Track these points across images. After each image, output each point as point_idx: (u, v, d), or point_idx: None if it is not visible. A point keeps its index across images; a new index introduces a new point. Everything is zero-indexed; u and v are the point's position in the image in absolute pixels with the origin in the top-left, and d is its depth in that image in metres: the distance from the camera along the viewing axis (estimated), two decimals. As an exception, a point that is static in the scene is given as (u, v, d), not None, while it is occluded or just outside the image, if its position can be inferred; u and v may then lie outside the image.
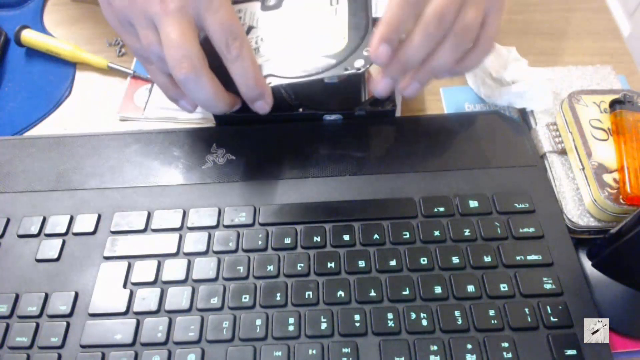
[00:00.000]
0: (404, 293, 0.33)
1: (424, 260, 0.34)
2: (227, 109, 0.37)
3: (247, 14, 0.42)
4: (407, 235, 0.35)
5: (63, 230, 0.36)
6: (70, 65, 0.47)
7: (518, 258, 0.34)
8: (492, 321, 0.32)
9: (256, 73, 0.35)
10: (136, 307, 0.33)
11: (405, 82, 0.37)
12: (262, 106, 0.37)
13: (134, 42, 0.35)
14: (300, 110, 0.41)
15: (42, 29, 0.49)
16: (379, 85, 0.37)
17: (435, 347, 0.31)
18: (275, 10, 0.42)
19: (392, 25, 0.33)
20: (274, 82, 0.37)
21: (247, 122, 0.41)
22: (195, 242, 0.35)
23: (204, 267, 0.34)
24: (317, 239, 0.35)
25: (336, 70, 0.37)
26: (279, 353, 0.31)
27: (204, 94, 0.34)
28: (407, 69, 0.36)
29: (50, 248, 0.36)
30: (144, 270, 0.34)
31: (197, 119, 0.43)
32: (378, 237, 0.35)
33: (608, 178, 0.35)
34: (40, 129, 0.44)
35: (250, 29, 0.41)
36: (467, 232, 0.35)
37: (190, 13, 0.33)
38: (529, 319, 0.32)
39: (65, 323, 0.33)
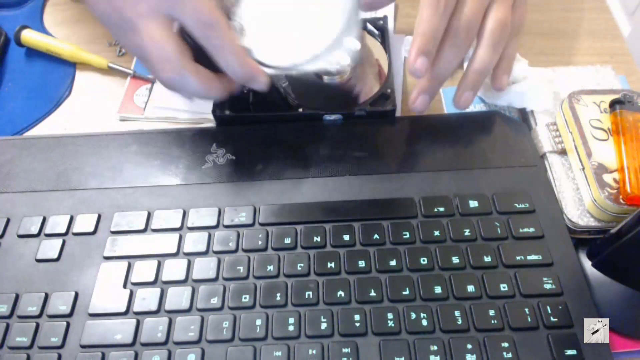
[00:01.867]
0: (404, 293, 0.33)
1: (424, 260, 0.34)
2: (223, 94, 0.37)
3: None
4: (407, 235, 0.35)
5: (63, 230, 0.36)
6: (70, 65, 0.47)
7: (518, 258, 0.34)
8: (492, 321, 0.32)
9: (242, 58, 0.35)
10: (136, 307, 0.33)
11: (457, 94, 0.38)
12: (258, 86, 0.36)
13: (124, 42, 0.35)
14: (300, 110, 0.41)
15: (42, 29, 0.49)
16: (417, 102, 0.38)
17: (435, 347, 0.31)
18: None
19: (428, 36, 0.33)
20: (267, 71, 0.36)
21: (247, 122, 0.41)
22: (195, 242, 0.35)
23: (204, 267, 0.34)
24: (317, 239, 0.35)
25: (322, 63, 0.36)
26: (279, 353, 0.31)
27: (193, 89, 0.35)
28: (442, 82, 0.37)
29: (50, 248, 0.36)
30: (144, 270, 0.34)
31: (197, 119, 0.43)
32: (378, 237, 0.35)
33: (608, 178, 0.35)
34: (40, 129, 0.44)
35: (238, 2, 0.38)
36: (467, 232, 0.35)
37: (163, 12, 0.32)
38: (529, 319, 0.32)
39: (65, 323, 0.33)
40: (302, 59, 0.36)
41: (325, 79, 0.42)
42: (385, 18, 0.45)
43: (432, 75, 0.37)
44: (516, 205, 0.36)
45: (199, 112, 0.43)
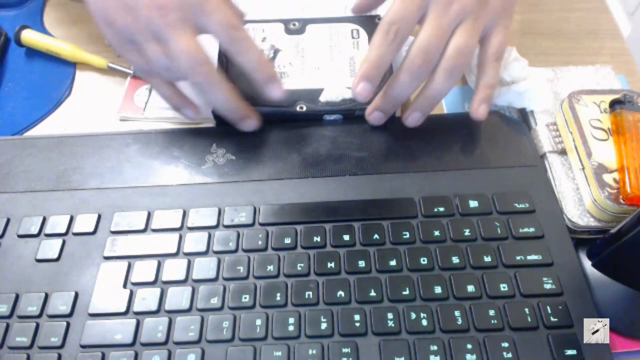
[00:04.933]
0: (404, 293, 0.33)
1: (424, 260, 0.34)
2: (241, 115, 0.39)
3: (271, 35, 0.44)
4: (407, 235, 0.35)
5: (63, 230, 0.36)
6: (70, 65, 0.47)
7: (518, 258, 0.34)
8: (492, 321, 0.32)
9: (263, 59, 0.37)
10: (136, 307, 0.33)
11: (406, 113, 0.39)
12: (274, 90, 0.38)
13: (138, 59, 0.36)
14: (299, 108, 0.41)
15: (42, 29, 0.49)
16: (370, 117, 0.39)
17: (435, 347, 0.31)
18: (298, 35, 0.44)
19: (373, 63, 0.35)
20: (305, 107, 0.41)
21: None
22: (195, 242, 0.35)
23: (204, 267, 0.34)
24: (317, 239, 0.35)
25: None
26: (279, 353, 0.31)
27: (220, 96, 0.36)
28: (397, 104, 0.38)
29: (50, 248, 0.36)
30: (144, 270, 0.34)
31: (197, 119, 0.43)
32: (378, 237, 0.35)
33: (608, 178, 0.35)
34: (40, 129, 0.44)
35: (277, 52, 0.43)
36: (467, 232, 0.35)
37: (192, 23, 0.34)
38: (529, 319, 0.32)
39: (65, 323, 0.33)
40: (343, 99, 0.41)
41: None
42: (380, 17, 0.46)
43: (386, 96, 0.38)
44: (516, 205, 0.36)
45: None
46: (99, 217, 0.37)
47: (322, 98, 0.41)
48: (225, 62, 0.42)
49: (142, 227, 0.36)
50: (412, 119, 0.39)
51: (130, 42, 0.35)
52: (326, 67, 0.42)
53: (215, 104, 0.38)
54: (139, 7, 0.33)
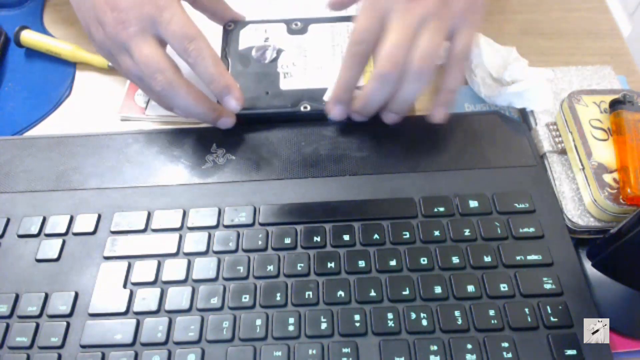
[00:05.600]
0: (404, 293, 0.33)
1: (424, 260, 0.34)
2: (210, 116, 0.39)
3: (274, 35, 0.44)
4: (407, 235, 0.35)
5: (63, 230, 0.36)
6: (70, 65, 0.47)
7: (518, 258, 0.34)
8: (492, 321, 0.32)
9: (219, 69, 0.37)
10: (136, 307, 0.33)
11: (383, 113, 0.39)
12: (231, 101, 0.38)
13: (120, 68, 0.38)
14: (303, 108, 0.41)
15: (42, 29, 0.49)
16: (332, 112, 0.39)
17: (435, 347, 0.31)
18: (301, 35, 0.44)
19: (342, 87, 0.37)
20: (309, 107, 0.41)
21: (248, 121, 0.41)
22: (195, 242, 0.35)
23: (204, 267, 0.34)
24: (317, 239, 0.35)
25: None
26: (279, 353, 0.31)
27: (183, 102, 0.36)
28: (374, 109, 0.38)
29: (50, 248, 0.36)
30: (144, 270, 0.34)
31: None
32: (378, 237, 0.35)
33: (608, 178, 0.35)
34: (40, 129, 0.44)
35: (280, 52, 0.43)
36: (467, 232, 0.35)
37: (151, 32, 0.35)
38: (529, 319, 0.32)
39: (65, 323, 0.33)
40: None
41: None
42: None
43: (362, 103, 0.38)
44: (516, 205, 0.36)
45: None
46: (99, 217, 0.37)
47: (326, 97, 0.41)
48: (227, 61, 0.43)
49: (142, 227, 0.36)
50: (388, 118, 0.39)
51: (109, 54, 0.37)
52: (329, 66, 0.42)
53: (179, 110, 0.38)
54: (106, 22, 0.35)
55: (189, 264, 0.35)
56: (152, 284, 0.34)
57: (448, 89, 0.38)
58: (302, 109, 0.40)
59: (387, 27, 0.34)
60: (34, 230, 0.37)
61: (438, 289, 0.33)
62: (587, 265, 0.34)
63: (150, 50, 0.35)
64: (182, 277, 0.34)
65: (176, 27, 0.35)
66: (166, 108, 0.40)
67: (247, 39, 0.44)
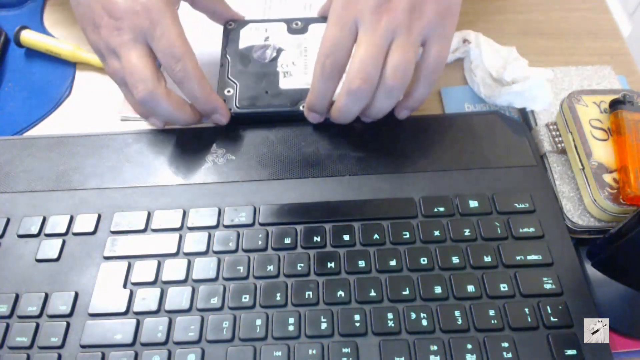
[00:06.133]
0: (404, 293, 0.33)
1: (424, 260, 0.34)
2: (193, 120, 0.39)
3: (274, 35, 0.44)
4: (407, 235, 0.35)
5: (63, 230, 0.36)
6: (70, 65, 0.47)
7: (518, 258, 0.34)
8: (492, 321, 0.32)
9: (204, 90, 0.37)
10: (136, 307, 0.33)
11: (363, 118, 0.40)
12: (219, 119, 0.40)
13: (107, 68, 0.38)
14: (302, 107, 0.40)
15: (42, 29, 0.49)
16: (309, 117, 0.40)
17: (435, 347, 0.31)
18: (301, 34, 0.44)
19: (315, 97, 0.37)
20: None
21: (249, 120, 0.41)
22: (195, 242, 0.35)
23: (204, 267, 0.34)
24: (317, 239, 0.35)
25: None
26: (279, 353, 0.31)
27: (163, 110, 0.37)
28: (348, 121, 0.38)
29: (50, 248, 0.36)
30: (144, 270, 0.34)
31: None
32: (378, 237, 0.35)
33: (608, 178, 0.35)
34: (40, 129, 0.44)
35: (280, 51, 0.43)
36: (467, 232, 0.35)
37: (141, 42, 0.36)
38: (529, 319, 0.32)
39: (65, 323, 0.33)
40: None
41: None
42: None
43: (336, 115, 0.38)
44: (516, 205, 0.36)
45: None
46: (99, 217, 0.37)
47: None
48: (227, 61, 0.43)
49: (142, 227, 0.36)
50: (367, 120, 0.40)
51: (100, 53, 0.38)
52: None
53: (163, 117, 0.40)
54: (102, 26, 0.36)
55: (189, 264, 0.35)
56: (152, 284, 0.34)
57: (416, 98, 0.38)
58: (301, 108, 0.40)
59: (357, 39, 0.34)
60: (34, 230, 0.37)
61: (438, 289, 0.33)
62: (587, 265, 0.34)
63: (137, 59, 0.35)
64: (182, 277, 0.34)
65: (165, 45, 0.35)
66: (142, 115, 0.41)
67: (247, 38, 0.44)
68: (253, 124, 0.41)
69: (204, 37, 0.44)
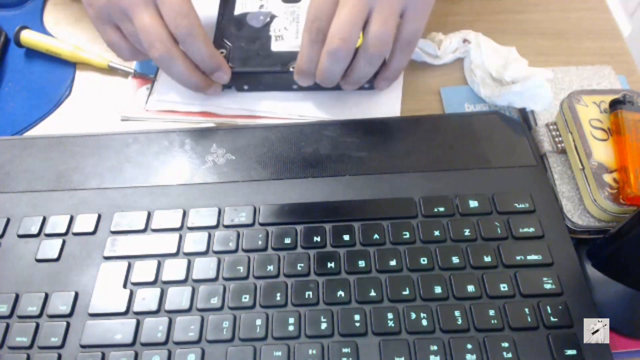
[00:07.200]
0: (404, 293, 0.33)
1: (424, 260, 0.34)
2: (203, 87, 0.41)
3: (268, 3, 0.46)
4: (407, 235, 0.35)
5: (63, 230, 0.36)
6: (70, 65, 0.47)
7: (518, 258, 0.34)
8: (492, 321, 0.32)
9: (209, 48, 0.39)
10: (136, 307, 0.33)
11: (343, 85, 0.41)
12: (221, 76, 0.41)
13: (110, 36, 0.40)
14: (291, 68, 0.41)
15: (42, 29, 0.49)
16: (299, 82, 0.41)
17: (435, 347, 0.31)
18: (295, 3, 0.46)
19: (303, 62, 0.39)
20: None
21: (240, 80, 0.43)
22: (195, 242, 0.35)
23: (204, 267, 0.34)
24: (317, 239, 0.35)
25: None
26: (279, 353, 0.31)
27: (178, 69, 0.39)
28: (333, 83, 0.40)
29: (50, 248, 0.36)
30: (144, 270, 0.34)
31: (197, 118, 0.43)
32: (378, 237, 0.35)
33: (608, 178, 0.35)
34: (40, 129, 0.44)
35: (273, 17, 0.45)
36: (467, 232, 0.35)
37: (152, 3, 0.37)
38: (529, 319, 0.32)
39: (65, 323, 0.33)
40: None
41: None
42: None
43: (320, 77, 0.39)
44: (516, 205, 0.36)
45: (200, 104, 0.43)
46: (99, 217, 0.37)
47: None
48: (222, 25, 0.45)
49: (142, 227, 0.36)
50: (347, 88, 0.42)
51: (108, 21, 0.39)
52: None
53: (174, 78, 0.40)
54: None
55: (189, 264, 0.35)
56: (152, 284, 0.34)
57: (394, 68, 0.40)
58: (290, 69, 0.41)
59: (339, 4, 0.36)
60: (34, 230, 0.37)
61: (438, 289, 0.33)
62: (587, 265, 0.34)
63: (151, 19, 0.37)
64: (182, 277, 0.34)
65: (173, 2, 0.37)
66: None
67: (242, 5, 0.46)
68: (245, 87, 0.43)
69: (201, 3, 0.45)
